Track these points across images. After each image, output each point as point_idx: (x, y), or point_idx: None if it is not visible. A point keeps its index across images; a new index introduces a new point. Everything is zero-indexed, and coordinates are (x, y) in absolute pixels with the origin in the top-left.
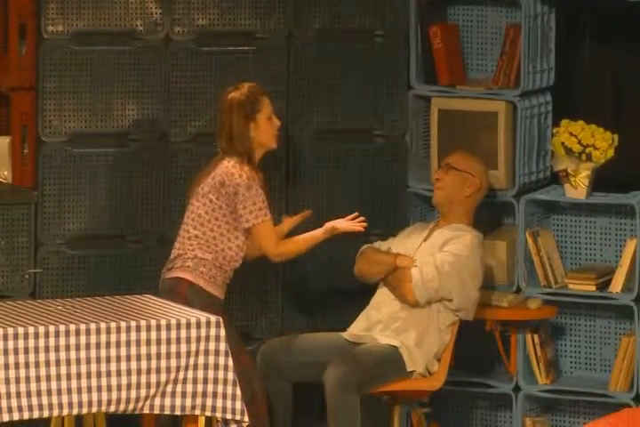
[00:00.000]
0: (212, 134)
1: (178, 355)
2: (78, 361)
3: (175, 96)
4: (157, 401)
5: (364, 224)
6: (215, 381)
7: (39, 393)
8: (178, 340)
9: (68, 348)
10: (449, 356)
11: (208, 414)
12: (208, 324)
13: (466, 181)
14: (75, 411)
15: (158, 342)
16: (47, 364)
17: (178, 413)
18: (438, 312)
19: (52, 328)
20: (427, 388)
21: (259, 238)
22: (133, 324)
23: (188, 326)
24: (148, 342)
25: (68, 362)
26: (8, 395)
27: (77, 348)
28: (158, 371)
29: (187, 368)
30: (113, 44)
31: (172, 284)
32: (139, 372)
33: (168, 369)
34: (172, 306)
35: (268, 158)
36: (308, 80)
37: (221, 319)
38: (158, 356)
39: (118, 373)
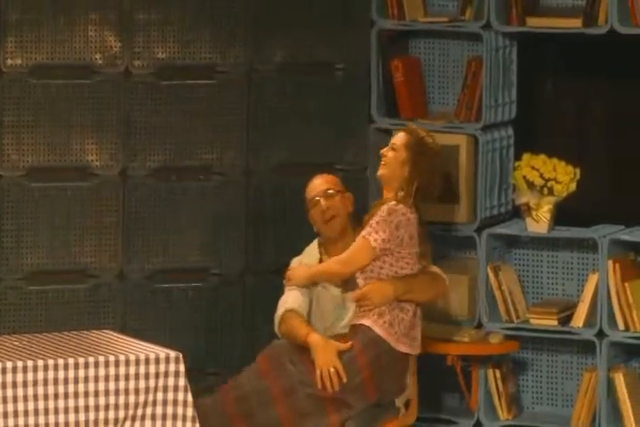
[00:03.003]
0: (172, 169)
1: (136, 391)
2: (36, 397)
3: (135, 130)
4: None
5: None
6: (174, 417)
7: None
8: (136, 376)
9: (25, 384)
10: (415, 390)
11: None
12: (167, 359)
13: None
14: None
15: (117, 377)
16: (4, 400)
17: None
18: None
19: (9, 364)
20: (402, 424)
21: None
22: (91, 360)
23: (147, 361)
24: (107, 379)
25: (26, 398)
26: None
27: (35, 384)
28: (116, 407)
29: (145, 405)
30: (72, 77)
31: None
32: (96, 409)
33: (126, 405)
34: (132, 342)
35: (229, 193)
36: (268, 113)
37: (180, 355)
38: (116, 392)
39: (76, 409)
